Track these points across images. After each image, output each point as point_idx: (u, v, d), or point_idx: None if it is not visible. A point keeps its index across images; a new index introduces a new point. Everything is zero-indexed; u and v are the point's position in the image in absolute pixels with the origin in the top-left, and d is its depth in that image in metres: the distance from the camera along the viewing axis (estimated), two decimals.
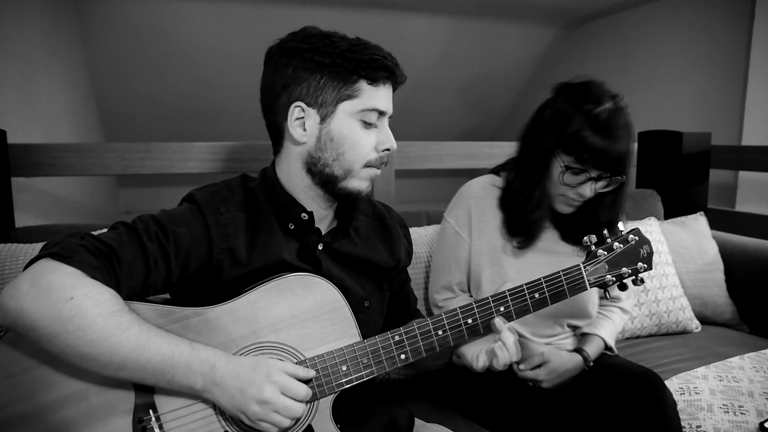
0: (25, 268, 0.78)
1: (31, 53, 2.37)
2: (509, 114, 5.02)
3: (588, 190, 1.24)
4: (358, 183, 0.99)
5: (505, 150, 2.19)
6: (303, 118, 0.95)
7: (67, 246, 0.79)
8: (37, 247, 1.35)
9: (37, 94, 2.42)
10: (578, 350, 1.32)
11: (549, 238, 1.38)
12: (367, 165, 0.98)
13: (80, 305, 0.74)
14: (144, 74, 3.68)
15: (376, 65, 0.94)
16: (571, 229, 1.35)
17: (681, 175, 2.35)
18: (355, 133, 0.96)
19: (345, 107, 0.95)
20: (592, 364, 1.31)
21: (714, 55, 3.15)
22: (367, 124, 0.96)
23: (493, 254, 1.36)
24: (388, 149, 0.99)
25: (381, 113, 0.98)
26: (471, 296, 1.43)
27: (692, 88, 3.25)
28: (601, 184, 1.25)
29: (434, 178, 5.54)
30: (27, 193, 2.08)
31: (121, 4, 3.13)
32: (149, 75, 3.69)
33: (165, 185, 4.53)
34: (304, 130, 0.96)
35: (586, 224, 1.31)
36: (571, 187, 1.25)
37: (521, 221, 1.32)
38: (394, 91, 1.01)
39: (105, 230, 0.89)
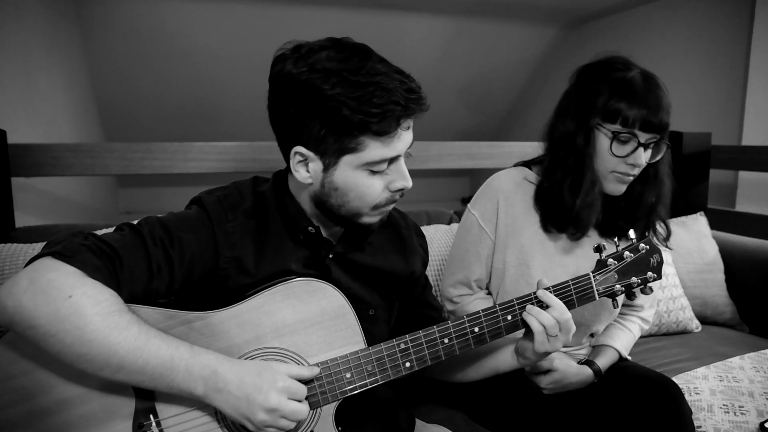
0: (26, 266, 0.77)
1: (31, 53, 2.37)
2: (509, 114, 5.01)
3: (641, 157, 1.17)
4: (369, 219, 0.94)
5: (505, 150, 2.20)
6: (305, 160, 0.89)
7: (70, 245, 0.78)
8: (37, 247, 1.35)
9: (37, 94, 2.41)
10: (589, 363, 1.27)
11: (585, 239, 1.29)
12: (377, 207, 0.92)
13: (78, 303, 0.73)
14: (144, 74, 3.67)
15: (385, 117, 0.82)
16: (613, 223, 1.28)
17: (681, 175, 2.34)
18: (360, 184, 0.88)
19: (348, 160, 0.86)
20: (601, 377, 1.27)
21: (714, 55, 3.15)
22: (376, 172, 0.89)
23: (521, 255, 1.28)
24: (401, 189, 0.92)
25: (392, 159, 0.89)
26: (489, 293, 1.37)
27: (692, 88, 3.25)
28: (649, 152, 1.19)
29: (434, 178, 5.54)
30: (27, 193, 2.08)
31: (121, 4, 3.13)
32: (149, 75, 3.69)
33: (165, 185, 4.52)
34: (308, 171, 0.90)
35: (626, 216, 1.25)
36: (622, 159, 1.18)
37: (572, 211, 1.22)
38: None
39: (110, 230, 0.88)
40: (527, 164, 1.37)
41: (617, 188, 1.22)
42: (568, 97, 1.26)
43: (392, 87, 0.83)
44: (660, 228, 1.31)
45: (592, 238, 1.30)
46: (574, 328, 1.00)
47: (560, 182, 1.23)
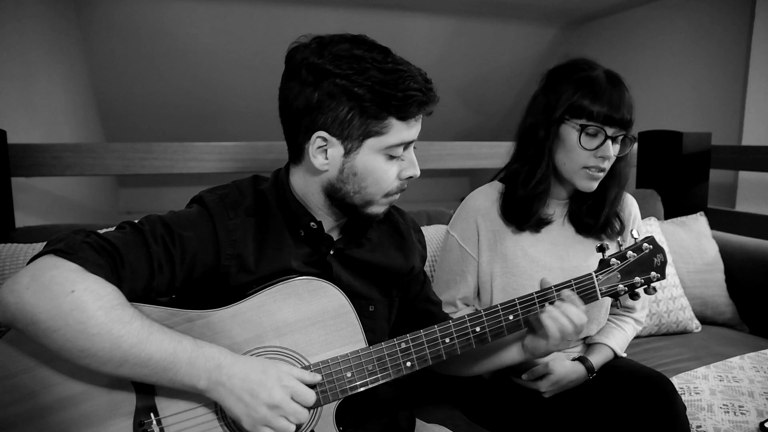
0: (28, 263, 0.77)
1: (31, 53, 2.37)
2: (509, 114, 5.01)
3: (610, 149, 1.20)
4: (377, 209, 0.97)
5: (505, 150, 2.19)
6: (325, 146, 0.91)
7: (72, 243, 0.79)
8: (37, 247, 1.35)
9: (37, 94, 2.42)
10: (582, 359, 1.28)
11: (564, 236, 1.33)
12: (388, 194, 0.95)
13: (81, 298, 0.73)
14: (144, 74, 3.67)
15: (409, 101, 0.88)
16: (585, 217, 1.31)
17: (681, 175, 2.35)
18: (379, 168, 0.92)
19: (371, 143, 0.90)
20: (595, 374, 1.27)
21: (714, 55, 3.15)
22: (392, 157, 0.93)
23: (505, 264, 1.31)
24: (411, 176, 0.96)
25: (408, 144, 0.94)
26: (477, 309, 1.36)
27: (692, 88, 3.25)
28: (617, 147, 1.23)
29: (434, 178, 5.54)
30: (27, 193, 2.08)
31: (121, 3, 3.13)
32: (149, 75, 3.69)
33: (165, 185, 4.52)
34: (326, 158, 0.92)
35: (592, 212, 1.30)
36: (592, 152, 1.21)
37: (521, 201, 1.28)
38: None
39: (111, 229, 0.88)
40: (499, 178, 1.40)
41: (589, 185, 1.24)
42: (535, 98, 1.31)
43: (413, 75, 0.89)
44: (615, 222, 1.34)
45: (571, 239, 1.33)
46: (584, 326, 1.02)
47: (516, 173, 1.30)
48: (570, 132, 1.22)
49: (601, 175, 1.23)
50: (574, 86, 1.22)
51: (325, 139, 0.90)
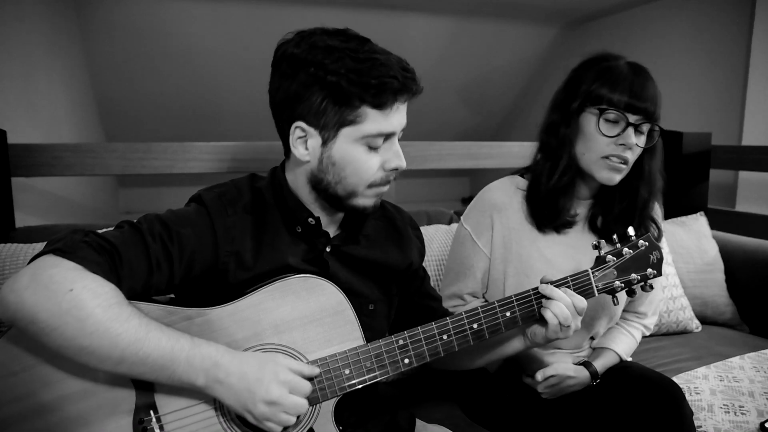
0: (29, 263, 0.78)
1: (31, 53, 2.37)
2: (509, 114, 5.02)
3: (632, 136, 1.14)
4: (364, 201, 0.96)
5: (505, 150, 2.20)
6: (305, 137, 0.92)
7: (70, 242, 0.79)
8: (37, 247, 1.35)
9: (37, 94, 2.42)
10: (586, 364, 1.25)
11: (583, 240, 1.29)
12: (372, 185, 0.95)
13: (79, 296, 0.74)
14: (144, 74, 3.67)
15: (384, 89, 0.87)
16: (614, 225, 1.24)
17: (681, 175, 2.35)
18: (357, 158, 0.91)
19: (347, 132, 0.90)
20: (599, 380, 1.25)
21: (714, 55, 3.15)
22: (373, 147, 0.92)
23: (519, 264, 1.27)
24: (396, 168, 0.95)
25: (388, 135, 0.93)
26: (485, 301, 1.34)
27: (692, 88, 3.25)
28: (642, 138, 1.18)
29: (434, 178, 5.54)
30: (27, 193, 2.08)
31: (121, 3, 3.13)
32: (150, 75, 3.69)
33: (165, 185, 4.53)
34: (307, 149, 0.93)
35: (623, 218, 1.24)
36: (612, 140, 1.16)
37: (547, 195, 1.23)
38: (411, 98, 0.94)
39: (110, 229, 0.88)
40: (520, 173, 1.36)
41: (610, 176, 1.19)
42: (556, 94, 1.28)
43: (390, 64, 0.88)
44: (652, 228, 1.29)
45: (591, 240, 1.29)
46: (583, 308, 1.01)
47: (540, 168, 1.26)
48: (589, 119, 1.19)
49: (624, 167, 1.18)
50: (593, 76, 1.19)
51: (303, 130, 0.91)
